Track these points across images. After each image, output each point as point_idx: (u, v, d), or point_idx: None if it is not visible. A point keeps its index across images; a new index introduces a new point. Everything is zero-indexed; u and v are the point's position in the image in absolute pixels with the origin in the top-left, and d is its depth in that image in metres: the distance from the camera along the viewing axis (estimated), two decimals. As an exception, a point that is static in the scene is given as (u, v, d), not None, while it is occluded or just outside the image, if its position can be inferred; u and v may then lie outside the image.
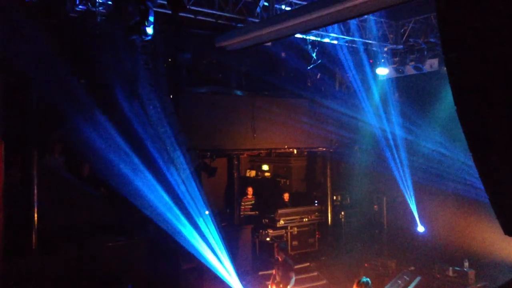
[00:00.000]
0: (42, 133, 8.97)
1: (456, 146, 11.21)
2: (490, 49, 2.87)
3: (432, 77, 11.81)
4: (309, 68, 11.91)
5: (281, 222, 12.74)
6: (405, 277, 11.00)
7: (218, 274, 9.27)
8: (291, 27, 8.81)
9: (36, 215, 8.57)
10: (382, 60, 12.28)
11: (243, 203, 13.17)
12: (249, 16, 9.39)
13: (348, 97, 13.48)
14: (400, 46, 11.67)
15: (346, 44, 11.73)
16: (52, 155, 9.67)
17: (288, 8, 9.73)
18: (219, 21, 9.41)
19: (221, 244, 9.56)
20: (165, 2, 7.96)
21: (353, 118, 13.29)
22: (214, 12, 9.07)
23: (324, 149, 13.98)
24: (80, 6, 8.58)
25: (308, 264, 12.61)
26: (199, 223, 9.44)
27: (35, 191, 8.62)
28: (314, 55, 11.21)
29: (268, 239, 12.44)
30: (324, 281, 12.01)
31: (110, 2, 8.56)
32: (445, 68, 3.21)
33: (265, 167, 15.98)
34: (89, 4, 8.67)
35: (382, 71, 12.36)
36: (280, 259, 9.20)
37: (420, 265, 11.95)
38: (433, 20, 10.67)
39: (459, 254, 11.35)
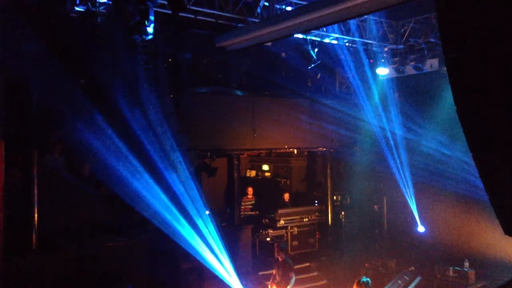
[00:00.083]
0: (42, 133, 8.96)
1: (456, 146, 11.21)
2: (490, 49, 2.87)
3: (432, 77, 11.81)
4: (309, 68, 11.91)
5: (281, 222, 12.74)
6: (405, 277, 11.01)
7: (218, 275, 9.26)
8: (291, 27, 8.81)
9: (36, 215, 8.57)
10: (382, 60, 12.28)
11: (243, 203, 13.17)
12: (249, 16, 9.39)
13: (348, 97, 13.49)
14: (400, 46, 11.68)
15: (346, 44, 11.73)
16: (52, 155, 9.66)
17: (288, 8, 9.73)
18: (219, 21, 9.42)
19: (221, 245, 9.55)
20: (165, 2, 7.97)
21: (353, 118, 13.29)
22: (214, 12, 9.07)
23: (324, 149, 13.98)
24: (80, 6, 8.59)
25: (308, 264, 12.61)
26: (199, 223, 9.44)
27: (35, 191, 8.62)
28: (314, 55, 11.20)
29: (268, 239, 12.44)
30: (324, 281, 12.01)
31: (110, 2, 8.56)
32: (445, 68, 3.21)
33: (265, 167, 15.98)
34: (89, 4, 8.68)
35: (382, 71, 12.36)
36: (280, 259, 9.20)
37: (420, 265, 11.95)
38: (433, 20, 10.67)
39: (459, 254, 11.35)
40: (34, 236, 8.52)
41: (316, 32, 10.59)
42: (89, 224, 9.33)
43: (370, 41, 11.30)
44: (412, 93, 12.81)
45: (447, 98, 10.30)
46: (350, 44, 11.76)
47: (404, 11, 10.72)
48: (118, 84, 8.95)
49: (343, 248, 13.51)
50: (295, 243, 12.98)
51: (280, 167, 15.73)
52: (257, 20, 9.44)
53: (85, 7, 8.71)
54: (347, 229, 13.92)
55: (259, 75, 12.47)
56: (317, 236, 13.52)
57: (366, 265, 12.54)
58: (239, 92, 12.66)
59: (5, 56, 7.94)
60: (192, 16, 9.05)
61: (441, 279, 11.21)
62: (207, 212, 9.77)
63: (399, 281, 10.79)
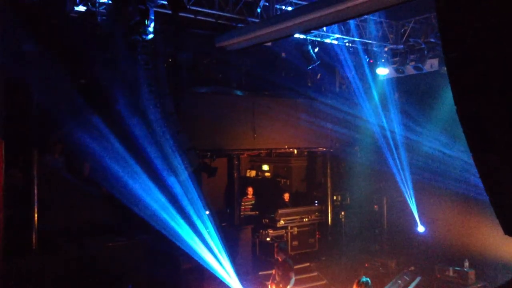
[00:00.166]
0: (42, 133, 8.96)
1: (456, 146, 11.22)
2: (490, 49, 2.87)
3: (432, 77, 11.81)
4: (309, 68, 11.91)
5: (281, 222, 12.74)
6: (405, 277, 11.01)
7: (218, 276, 9.26)
8: (291, 27, 8.81)
9: (36, 215, 8.57)
10: (382, 60, 12.28)
11: (243, 203, 13.17)
12: (249, 16, 9.39)
13: (348, 97, 13.48)
14: (400, 46, 11.67)
15: (346, 44, 11.73)
16: (52, 155, 9.66)
17: (288, 8, 9.73)
18: (219, 21, 9.41)
19: (221, 245, 9.55)
20: (165, 2, 7.96)
21: (353, 118, 13.30)
22: (214, 12, 9.07)
23: (324, 149, 13.98)
24: (80, 6, 8.59)
25: (308, 264, 12.61)
26: (199, 224, 9.44)
27: (35, 191, 8.62)
28: (314, 55, 11.20)
29: (268, 239, 12.44)
30: (324, 281, 12.01)
31: (110, 2, 8.56)
32: (445, 68, 3.22)
33: (265, 167, 15.98)
34: (89, 4, 8.68)
35: (382, 71, 12.36)
36: (280, 259, 9.19)
37: (420, 265, 11.95)
38: (433, 20, 10.67)
39: (459, 254, 11.35)
40: (34, 236, 8.52)
41: (316, 32, 10.59)
42: (89, 224, 9.34)
43: (370, 41, 11.30)
44: (412, 93, 12.81)
45: (447, 98, 10.29)
46: (350, 44, 11.76)
47: (404, 11, 10.72)
48: (118, 84, 8.95)
49: (343, 248, 13.52)
50: (295, 243, 12.97)
51: (280, 167, 15.72)
52: (257, 20, 9.44)
53: (85, 7, 8.71)
54: (347, 229, 13.92)
55: (259, 75, 12.47)
56: (317, 236, 13.52)
57: (366, 265, 12.54)
58: (239, 92, 12.66)
59: (5, 56, 7.94)
60: (192, 16, 9.04)
61: (441, 279, 11.21)
62: (207, 212, 9.77)
63: (399, 281, 10.79)
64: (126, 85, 9.09)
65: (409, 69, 11.83)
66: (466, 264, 10.96)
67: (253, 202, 13.57)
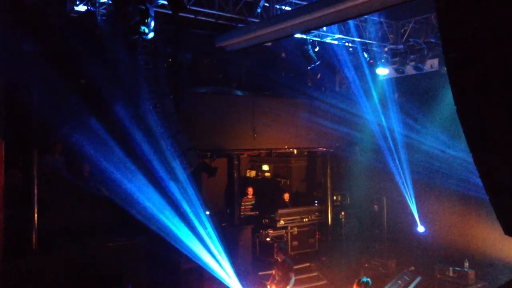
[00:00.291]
0: (42, 133, 8.97)
1: (456, 145, 11.21)
2: (490, 49, 2.87)
3: (432, 77, 11.80)
4: (309, 68, 11.91)
5: (281, 222, 12.74)
6: (405, 277, 11.01)
7: (218, 277, 9.27)
8: (291, 27, 8.81)
9: (36, 215, 8.58)
10: (382, 60, 12.27)
11: (243, 203, 13.17)
12: (249, 16, 9.38)
13: (349, 97, 13.48)
14: (400, 46, 11.66)
15: (346, 44, 11.73)
16: (52, 155, 9.67)
17: (288, 8, 9.72)
18: (219, 21, 9.41)
19: (221, 246, 9.55)
20: (165, 2, 7.96)
21: (353, 118, 13.29)
22: (214, 12, 9.06)
23: (324, 149, 13.99)
24: (80, 6, 8.59)
25: (308, 264, 12.61)
26: (198, 225, 9.44)
27: (35, 191, 8.63)
28: (314, 55, 11.19)
29: (268, 239, 12.44)
30: (324, 281, 12.02)
31: (110, 2, 8.56)
32: (445, 68, 3.22)
33: (265, 167, 15.98)
34: (89, 4, 8.68)
35: (382, 71, 12.36)
36: (279, 260, 9.19)
37: (420, 265, 11.95)
38: (433, 20, 10.66)
39: (459, 254, 11.34)
40: (34, 236, 8.53)
41: (316, 32, 10.59)
42: (89, 224, 9.34)
43: (370, 41, 11.29)
44: (412, 93, 12.81)
45: (447, 98, 10.30)
46: (350, 44, 11.76)
47: (404, 11, 10.72)
48: (118, 84, 8.95)
49: (343, 248, 13.51)
50: (295, 243, 12.97)
51: (280, 167, 15.73)
52: (257, 20, 9.44)
53: (85, 7, 8.70)
54: (347, 229, 13.92)
55: (259, 75, 12.48)
56: (317, 236, 13.52)
57: (366, 265, 12.54)
58: (239, 92, 12.67)
59: (5, 57, 7.95)
60: (192, 16, 9.04)
61: (441, 279, 11.21)
62: (207, 213, 9.77)
63: (399, 281, 10.79)
64: (126, 85, 9.09)
65: (409, 69, 11.81)
66: (466, 264, 10.95)
67: (253, 202, 13.57)
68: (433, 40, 10.93)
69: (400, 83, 12.88)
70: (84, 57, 8.76)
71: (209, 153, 11.62)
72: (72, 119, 8.80)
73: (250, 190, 13.62)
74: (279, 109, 12.74)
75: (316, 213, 13.65)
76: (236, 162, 12.42)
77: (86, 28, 8.83)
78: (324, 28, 10.43)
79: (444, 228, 12.31)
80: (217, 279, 9.31)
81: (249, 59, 12.51)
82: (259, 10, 9.40)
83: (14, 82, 8.33)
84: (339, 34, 10.72)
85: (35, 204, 8.57)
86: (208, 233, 9.56)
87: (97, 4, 8.69)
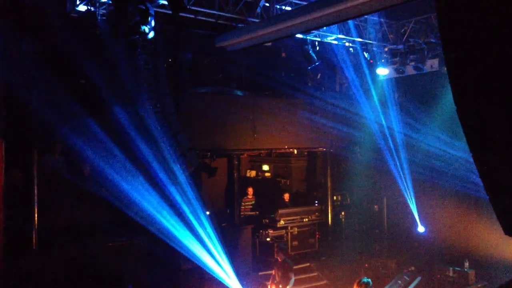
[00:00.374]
0: (42, 133, 8.97)
1: (456, 145, 11.21)
2: (490, 49, 2.87)
3: (432, 77, 11.80)
4: (309, 68, 11.91)
5: (282, 222, 12.74)
6: (405, 277, 11.00)
7: (218, 277, 9.26)
8: (291, 27, 8.81)
9: (36, 215, 8.57)
10: (382, 60, 12.27)
11: (243, 203, 13.17)
12: (249, 16, 9.39)
13: (349, 97, 13.49)
14: (401, 46, 11.67)
15: (347, 44, 11.73)
16: (52, 155, 9.66)
17: (288, 8, 9.73)
18: (219, 21, 9.41)
19: (221, 247, 9.55)
20: (165, 2, 7.96)
21: (353, 118, 13.30)
22: (214, 12, 9.06)
23: (324, 149, 13.98)
24: (80, 6, 8.59)
25: (308, 264, 12.61)
26: (198, 226, 9.43)
27: (35, 191, 8.62)
28: (314, 55, 11.19)
29: (268, 239, 12.44)
30: (324, 281, 12.01)
31: (110, 2, 8.56)
32: (445, 68, 3.22)
33: (265, 167, 15.98)
34: (89, 4, 8.68)
35: (382, 71, 12.36)
36: (279, 260, 9.19)
37: (420, 265, 11.94)
38: (433, 20, 10.66)
39: (459, 254, 11.35)
40: (34, 236, 8.52)
41: (316, 32, 10.59)
42: (89, 224, 9.33)
43: (370, 41, 11.29)
44: (412, 94, 12.81)
45: (448, 98, 10.30)
46: (350, 44, 11.76)
47: (404, 11, 10.72)
48: (118, 84, 8.95)
49: (343, 248, 13.51)
50: (295, 243, 12.97)
51: (280, 167, 15.73)
52: (257, 20, 9.44)
53: (85, 7, 8.70)
54: (347, 229, 13.93)
55: (259, 75, 12.48)
56: (317, 236, 13.52)
57: (366, 265, 12.54)
58: (239, 92, 12.67)
59: (5, 57, 7.95)
60: (192, 16, 9.04)
61: (441, 279, 11.21)
62: (207, 213, 9.77)
63: (399, 281, 10.78)
64: (126, 85, 9.09)
65: (409, 69, 11.82)
66: (466, 264, 10.96)
67: (253, 202, 13.57)
68: (433, 40, 10.93)
69: (400, 83, 12.88)
70: (84, 57, 8.76)
71: (209, 153, 11.63)
72: (72, 119, 8.79)
73: (250, 190, 13.62)
74: (279, 109, 12.74)
75: (316, 213, 13.65)
76: (236, 162, 12.42)
77: (86, 28, 8.83)
78: (324, 28, 10.43)
79: (444, 228, 12.31)
80: (217, 279, 9.31)
81: (249, 59, 12.51)
82: (259, 10, 9.40)
83: (14, 82, 8.33)
84: (339, 34, 10.72)
85: (35, 204, 8.57)
86: (208, 233, 9.55)
87: (97, 4, 8.69)
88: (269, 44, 11.28)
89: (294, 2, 9.71)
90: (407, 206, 12.70)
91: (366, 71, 12.57)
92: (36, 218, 8.56)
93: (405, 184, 12.59)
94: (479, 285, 10.78)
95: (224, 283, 9.24)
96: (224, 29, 9.82)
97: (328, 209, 13.88)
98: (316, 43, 11.24)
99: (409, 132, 12.65)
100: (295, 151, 14.19)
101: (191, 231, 9.32)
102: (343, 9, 7.77)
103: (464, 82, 3.03)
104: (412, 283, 10.82)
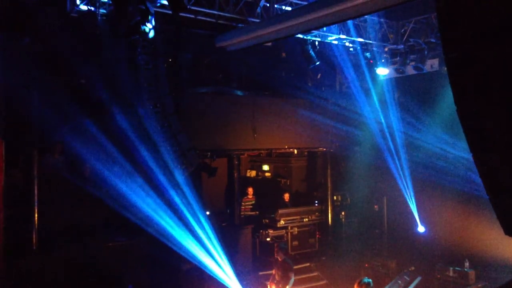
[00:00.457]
0: (42, 133, 8.97)
1: (456, 145, 11.21)
2: (490, 49, 2.87)
3: (432, 77, 11.80)
4: (309, 68, 11.90)
5: (282, 222, 12.74)
6: (405, 277, 10.99)
7: (218, 277, 9.26)
8: (291, 27, 8.81)
9: (36, 215, 8.57)
10: (383, 60, 12.27)
11: (243, 203, 13.18)
12: (249, 16, 9.38)
13: (349, 97, 13.48)
14: (401, 46, 11.66)
15: (347, 44, 11.72)
16: (52, 155, 9.66)
17: (288, 8, 9.72)
18: (219, 21, 9.41)
19: (221, 247, 9.55)
20: (166, 2, 7.96)
21: (353, 118, 13.30)
22: (214, 12, 9.06)
23: (324, 149, 13.98)
24: (81, 6, 8.58)
25: (308, 264, 12.61)
26: (198, 227, 9.43)
27: (36, 191, 8.63)
28: (314, 55, 11.19)
29: (268, 239, 12.44)
30: (324, 281, 12.01)
31: (110, 2, 8.55)
32: (445, 68, 3.22)
33: (265, 167, 15.98)
34: (89, 4, 8.67)
35: (383, 71, 12.36)
36: (279, 259, 9.19)
37: (421, 265, 11.94)
38: (433, 20, 10.65)
39: (459, 254, 11.34)
40: (34, 236, 8.53)
41: (316, 32, 10.59)
42: (89, 224, 9.34)
43: (370, 41, 11.29)
44: (412, 94, 12.80)
45: (448, 98, 10.30)
46: (350, 44, 11.75)
47: (404, 11, 10.72)
48: (118, 84, 8.95)
49: (343, 248, 13.51)
50: (295, 243, 12.98)
51: (280, 167, 15.73)
52: (257, 20, 9.44)
53: (85, 7, 8.70)
54: (347, 229, 13.92)
55: (259, 75, 12.47)
56: (317, 236, 13.53)
57: (366, 265, 12.53)
58: (239, 92, 12.66)
59: (5, 57, 7.95)
60: (192, 16, 9.04)
61: (441, 279, 11.21)
62: (207, 213, 9.77)
63: (399, 281, 10.78)
64: (126, 85, 9.08)
65: (410, 69, 11.82)
66: (466, 264, 10.95)
67: (253, 202, 13.57)
68: (433, 40, 10.93)
69: (400, 83, 12.88)
70: (84, 57, 8.76)
71: (209, 153, 11.62)
72: (72, 119, 8.79)
73: (250, 190, 13.63)
74: (279, 109, 12.74)
75: (316, 213, 13.65)
76: (236, 162, 12.42)
77: (86, 28, 8.82)
78: (324, 28, 10.43)
79: (444, 228, 12.31)
80: (217, 279, 9.31)
81: (249, 59, 12.51)
82: (259, 10, 9.40)
83: (14, 82, 8.33)
84: (339, 34, 10.72)
85: (35, 204, 8.57)
86: (208, 234, 9.55)
87: (97, 4, 8.68)
88: (269, 44, 11.27)
89: (294, 2, 9.71)
90: (407, 206, 12.70)
91: (366, 71, 12.57)
92: (36, 218, 8.56)
93: (405, 184, 12.59)
94: (479, 285, 10.78)
95: (224, 283, 9.24)
96: (224, 29, 9.81)
97: (328, 209, 13.88)
98: (316, 43, 11.24)
99: (409, 132, 12.65)
100: (295, 151, 14.19)
101: (191, 231, 9.32)
102: (343, 9, 7.77)
103: (464, 82, 3.02)
104: (412, 283, 10.81)
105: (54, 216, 8.87)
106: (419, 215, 12.61)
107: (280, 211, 12.83)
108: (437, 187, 12.14)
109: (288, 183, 15.31)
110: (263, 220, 12.98)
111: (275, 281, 9.14)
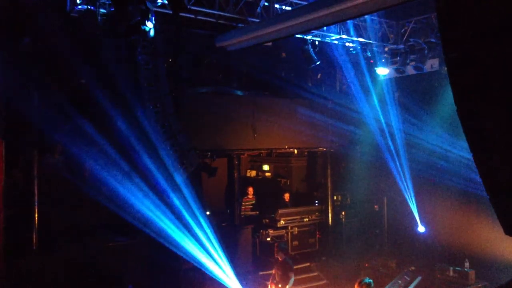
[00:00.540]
0: (42, 133, 8.97)
1: (456, 145, 11.21)
2: (490, 49, 2.87)
3: (432, 77, 11.80)
4: (309, 68, 11.90)
5: (282, 222, 12.75)
6: (405, 277, 11.00)
7: (218, 277, 9.26)
8: (291, 27, 8.81)
9: (36, 215, 8.57)
10: (383, 60, 12.27)
11: (243, 203, 13.17)
12: (249, 16, 9.38)
13: (349, 97, 13.48)
14: (401, 46, 11.66)
15: (347, 44, 11.72)
16: (52, 155, 9.66)
17: (288, 8, 9.72)
18: (219, 21, 9.40)
19: (221, 247, 9.54)
20: (166, 2, 7.96)
21: (354, 118, 13.30)
22: (214, 12, 9.06)
23: (324, 149, 13.98)
24: (81, 6, 8.57)
25: (308, 264, 12.61)
26: (198, 227, 9.43)
27: (36, 191, 8.62)
28: (314, 55, 11.19)
29: (268, 239, 12.45)
30: (324, 281, 12.01)
31: (110, 2, 8.55)
32: (445, 68, 3.22)
33: (265, 167, 15.98)
34: (89, 4, 8.67)
35: (383, 71, 12.36)
36: (279, 259, 9.20)
37: (421, 265, 11.94)
38: (433, 20, 10.65)
39: (459, 254, 11.34)
40: (34, 236, 8.53)
41: (316, 32, 10.58)
42: (89, 224, 9.34)
43: (370, 41, 11.29)
44: (412, 94, 12.80)
45: (448, 98, 10.30)
46: (350, 44, 11.75)
47: (404, 11, 10.72)
48: (118, 84, 8.94)
49: (343, 248, 13.52)
50: (295, 243, 12.98)
51: (280, 167, 15.73)
52: (257, 20, 9.44)
53: (86, 7, 8.69)
54: (347, 229, 13.92)
55: (259, 75, 12.47)
56: (317, 236, 13.53)
57: (366, 265, 12.54)
58: (239, 92, 12.66)
59: (5, 57, 7.94)
60: (192, 16, 9.03)
61: (441, 279, 11.21)
62: (207, 213, 9.76)
63: (399, 281, 10.79)
64: (126, 85, 9.08)
65: (410, 69, 11.82)
66: (466, 264, 10.95)
67: (253, 202, 13.57)
68: (433, 40, 10.92)
69: (400, 83, 12.88)
70: (84, 57, 8.75)
71: (209, 153, 11.62)
72: (72, 119, 8.79)
73: (251, 190, 13.63)
74: (280, 109, 12.74)
75: (317, 213, 13.66)
76: (236, 162, 12.41)
77: (86, 28, 8.82)
78: (324, 28, 10.43)
79: (444, 228, 12.31)
80: (217, 279, 9.31)
81: (249, 59, 12.50)
82: (259, 10, 9.40)
83: (14, 82, 8.33)
84: (339, 34, 10.72)
85: (35, 204, 8.57)
86: (208, 235, 9.55)
87: (97, 4, 8.68)
88: (269, 44, 11.26)
89: (294, 2, 9.71)
90: (407, 206, 12.71)
91: (366, 71, 12.56)
92: (36, 218, 8.56)
93: (405, 184, 12.59)
94: (479, 285, 10.78)
95: (224, 283, 9.24)
96: (224, 29, 9.81)
97: (328, 209, 13.88)
98: (316, 43, 11.23)
99: (409, 132, 12.65)
100: (295, 151, 14.19)
101: (191, 232, 9.31)
102: (343, 9, 7.77)
103: (464, 82, 3.02)
104: (412, 283, 10.82)
105: (54, 216, 8.87)
106: (419, 215, 12.61)
107: (280, 211, 12.83)
108: (437, 186, 12.15)
109: (288, 183, 15.31)
110: (263, 220, 12.99)
111: (275, 281, 9.14)
